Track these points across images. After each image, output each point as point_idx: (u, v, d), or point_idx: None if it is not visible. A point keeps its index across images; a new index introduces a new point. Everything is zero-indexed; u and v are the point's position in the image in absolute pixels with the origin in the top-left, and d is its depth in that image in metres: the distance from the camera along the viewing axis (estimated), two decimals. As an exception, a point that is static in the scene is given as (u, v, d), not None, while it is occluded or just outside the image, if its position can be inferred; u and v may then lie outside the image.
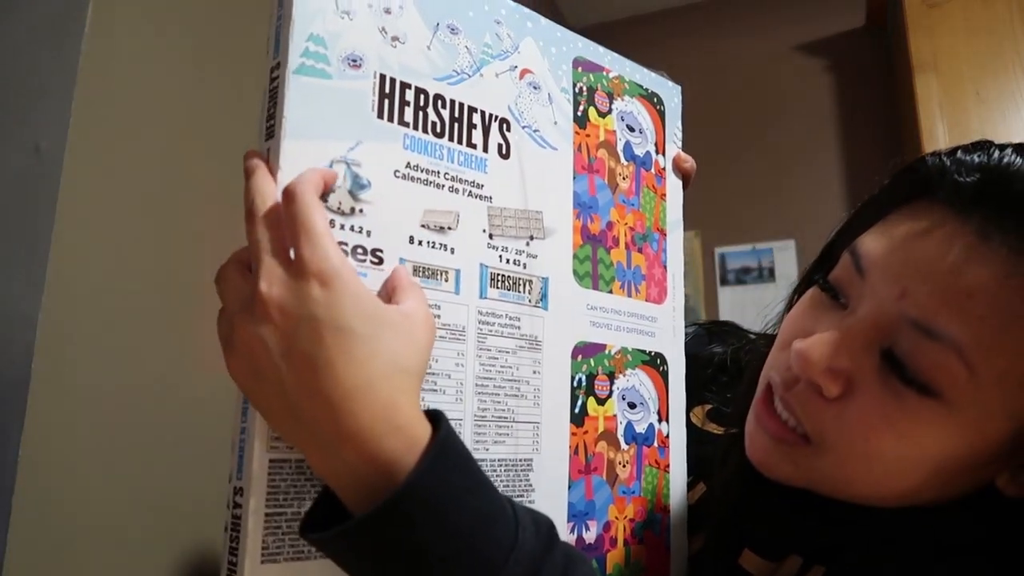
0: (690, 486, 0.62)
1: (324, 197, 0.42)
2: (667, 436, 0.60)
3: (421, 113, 0.47)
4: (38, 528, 0.67)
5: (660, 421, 0.59)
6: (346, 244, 0.43)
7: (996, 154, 0.42)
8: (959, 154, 0.44)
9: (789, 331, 0.49)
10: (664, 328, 0.61)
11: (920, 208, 0.43)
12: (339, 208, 0.43)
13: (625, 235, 0.59)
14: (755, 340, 0.69)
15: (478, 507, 0.37)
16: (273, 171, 0.41)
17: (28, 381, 0.66)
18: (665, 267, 0.62)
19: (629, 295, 0.59)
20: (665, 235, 0.63)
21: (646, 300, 0.60)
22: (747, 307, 2.13)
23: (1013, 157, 0.41)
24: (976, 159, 0.43)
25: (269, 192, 0.39)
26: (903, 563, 0.46)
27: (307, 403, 0.36)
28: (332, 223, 0.42)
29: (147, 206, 0.83)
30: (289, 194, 0.38)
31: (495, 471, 0.48)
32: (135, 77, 0.83)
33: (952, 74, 1.75)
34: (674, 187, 0.64)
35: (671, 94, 0.65)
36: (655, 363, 0.60)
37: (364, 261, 0.43)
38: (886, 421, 0.41)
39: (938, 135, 1.73)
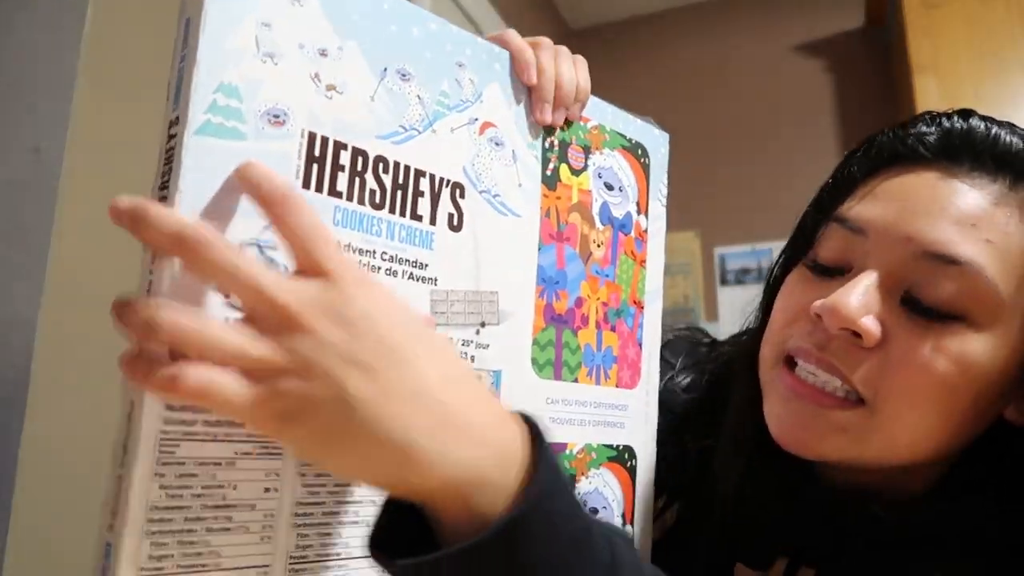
0: (663, 509, 0.58)
1: (227, 294, 0.34)
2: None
3: (358, 180, 0.39)
4: (38, 528, 0.66)
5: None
6: (250, 350, 0.34)
7: (944, 120, 0.48)
8: (913, 126, 0.48)
9: (789, 307, 0.48)
10: (635, 415, 0.54)
11: (893, 171, 0.47)
12: (243, 305, 0.34)
13: (597, 312, 0.51)
14: (712, 347, 0.67)
15: (584, 518, 0.34)
16: (160, 262, 0.32)
17: (28, 382, 0.66)
18: (640, 345, 0.55)
19: (597, 382, 0.51)
20: (643, 308, 0.55)
21: (616, 386, 0.52)
22: (747, 307, 2.13)
23: (956, 119, 0.47)
24: (930, 124, 0.48)
25: (183, 221, 0.30)
26: (902, 559, 0.45)
27: (394, 407, 0.30)
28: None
29: None
30: (278, 198, 0.32)
31: None
32: (135, 77, 0.78)
33: (951, 75, 1.72)
34: (656, 249, 0.56)
35: (657, 144, 0.58)
36: (622, 459, 0.52)
37: (273, 369, 0.35)
38: (930, 356, 0.42)
39: None
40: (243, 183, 0.33)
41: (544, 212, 0.48)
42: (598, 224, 0.52)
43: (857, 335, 0.43)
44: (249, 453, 0.34)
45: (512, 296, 0.46)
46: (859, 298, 0.42)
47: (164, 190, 0.34)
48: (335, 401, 0.29)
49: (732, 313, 2.14)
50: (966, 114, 0.47)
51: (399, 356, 0.31)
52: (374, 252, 0.39)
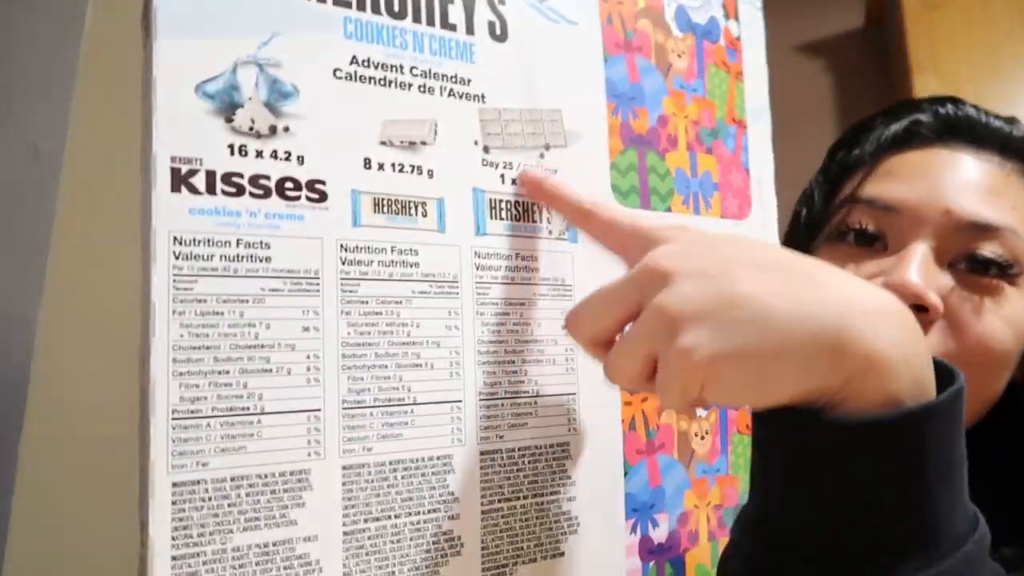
0: None
1: (229, 117, 0.30)
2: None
3: (355, -11, 0.34)
4: (38, 528, 0.63)
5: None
6: (267, 178, 0.31)
7: (939, 107, 0.53)
8: (909, 112, 0.53)
9: None
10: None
11: (900, 151, 0.51)
12: (252, 128, 0.31)
13: (687, 132, 0.44)
14: None
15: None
16: (147, 79, 0.29)
17: (27, 383, 0.63)
18: (747, 170, 0.47)
19: (696, 212, 0.44)
20: (745, 127, 0.47)
21: (721, 217, 0.45)
22: None
23: (949, 105, 0.53)
24: (926, 109, 0.53)
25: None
26: None
27: (797, 293, 0.27)
28: (243, 149, 0.30)
29: None
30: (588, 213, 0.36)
31: (514, 463, 0.36)
32: (135, 77, 0.77)
33: (951, 75, 1.71)
34: (755, 60, 0.48)
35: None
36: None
37: (298, 198, 0.31)
38: (988, 321, 0.45)
39: None
40: (549, 200, 0.37)
41: (605, 19, 0.41)
42: (675, 31, 0.44)
43: (922, 309, 0.44)
44: (279, 290, 0.30)
45: (578, 114, 0.40)
46: (920, 272, 0.44)
47: (148, 8, 0.30)
48: (752, 319, 0.27)
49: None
50: (956, 101, 0.53)
51: (774, 257, 0.30)
52: (402, 67, 0.34)
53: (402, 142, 0.34)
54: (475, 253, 0.36)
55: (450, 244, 0.35)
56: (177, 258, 0.29)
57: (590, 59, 0.41)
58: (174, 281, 0.29)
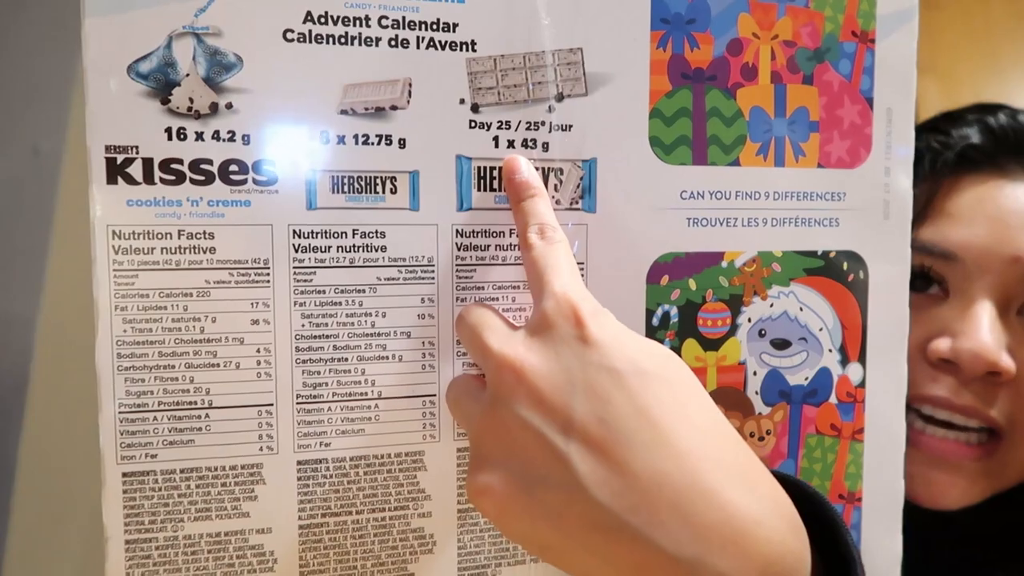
0: None
1: (166, 99, 0.28)
2: (860, 385, 0.37)
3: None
4: (38, 528, 0.66)
5: (844, 363, 0.37)
6: (209, 162, 0.29)
7: (989, 118, 0.46)
8: (955, 128, 0.46)
9: None
10: (863, 207, 0.36)
11: (952, 183, 0.45)
12: (191, 108, 0.29)
13: (774, 58, 0.34)
14: None
15: None
16: (84, 59, 0.28)
17: (27, 382, 0.66)
18: (869, 101, 0.36)
19: (779, 163, 0.35)
20: (873, 41, 0.36)
21: (819, 165, 0.36)
22: None
23: (1001, 117, 0.46)
24: (972, 123, 0.46)
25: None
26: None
27: (636, 495, 0.23)
28: (181, 133, 0.29)
29: None
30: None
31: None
32: None
33: (951, 75, 1.66)
34: None
35: None
36: (836, 271, 0.36)
37: (243, 183, 0.29)
38: None
39: None
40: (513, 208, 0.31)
41: (657, -83, 0.33)
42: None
43: (995, 372, 0.41)
44: (225, 281, 0.29)
45: (605, 51, 0.32)
46: (990, 335, 0.41)
47: (92, -13, 0.29)
48: (560, 487, 0.23)
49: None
50: (1007, 110, 0.47)
51: (637, 427, 0.24)
52: (367, 20, 0.30)
53: (367, 109, 0.30)
54: (456, 231, 0.31)
55: (425, 223, 0.31)
56: (117, 252, 0.28)
57: (627, -22, 0.32)
58: (114, 276, 0.28)
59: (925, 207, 0.45)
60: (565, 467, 0.23)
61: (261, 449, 0.30)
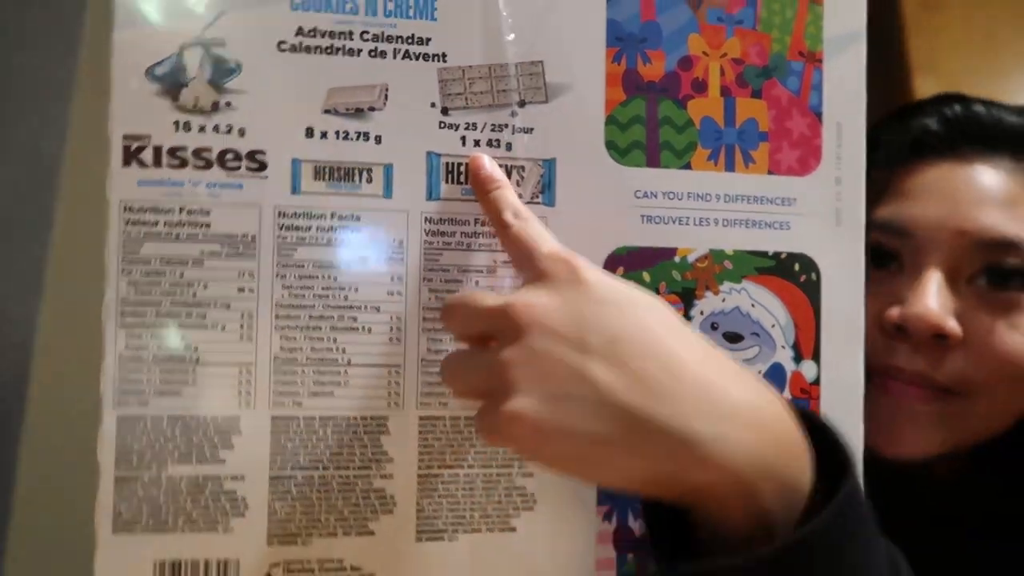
0: None
1: (176, 96, 0.33)
2: (815, 382, 0.39)
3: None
4: (38, 528, 0.67)
5: (798, 360, 0.38)
6: (208, 150, 0.34)
7: (945, 108, 0.49)
8: (912, 117, 0.50)
9: None
10: (814, 212, 0.39)
11: (908, 166, 0.48)
12: (195, 105, 0.34)
13: (723, 74, 0.38)
14: None
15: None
16: (110, 67, 0.34)
17: (27, 382, 0.67)
18: (817, 115, 0.39)
19: (729, 168, 0.38)
20: (819, 61, 0.39)
21: (770, 172, 0.38)
22: None
23: (955, 107, 0.49)
24: (930, 114, 0.50)
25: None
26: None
27: (655, 394, 0.26)
28: (187, 125, 0.33)
29: None
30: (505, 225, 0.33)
31: (459, 431, 0.35)
32: None
33: (951, 75, 1.63)
34: None
35: None
36: (787, 271, 0.38)
37: (237, 168, 0.34)
38: (1009, 335, 0.45)
39: None
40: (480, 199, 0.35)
41: (612, -49, 0.37)
42: (716, -44, 0.38)
43: (942, 336, 0.44)
44: (217, 253, 0.34)
45: (564, 64, 0.36)
46: (936, 300, 0.44)
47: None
48: (586, 399, 0.27)
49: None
50: (963, 100, 0.49)
51: (652, 335, 0.28)
52: (351, 33, 0.35)
53: (348, 109, 0.35)
54: (425, 219, 0.35)
55: (397, 209, 0.35)
56: (127, 224, 0.33)
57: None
58: (123, 244, 0.33)
59: (884, 190, 0.48)
60: (589, 381, 0.26)
61: (240, 404, 0.34)
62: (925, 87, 1.61)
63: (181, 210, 0.33)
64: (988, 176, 0.46)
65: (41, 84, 0.76)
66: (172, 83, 0.33)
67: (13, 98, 0.78)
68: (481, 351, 0.30)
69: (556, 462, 0.28)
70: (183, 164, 0.33)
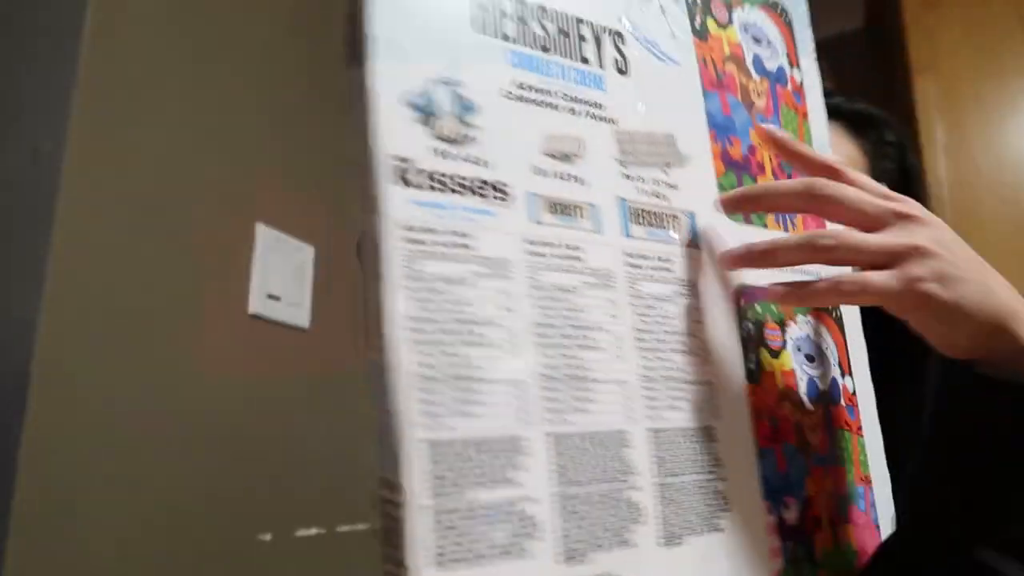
0: None
1: (429, 122, 0.34)
2: (854, 393, 0.49)
3: (522, 26, 0.40)
4: (38, 528, 0.66)
5: (843, 375, 0.49)
6: (464, 178, 0.35)
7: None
8: None
9: None
10: (829, 269, 0.51)
11: None
12: (447, 135, 0.35)
13: (771, 160, 0.50)
14: None
15: None
16: (365, 101, 0.34)
17: (28, 382, 0.66)
18: (818, 196, 0.52)
19: (785, 229, 0.49)
20: (811, 160, 0.53)
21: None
22: None
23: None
24: None
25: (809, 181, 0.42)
26: None
27: (984, 280, 0.39)
28: (443, 153, 0.34)
29: (146, 208, 0.80)
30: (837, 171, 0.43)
31: (676, 443, 0.38)
32: (135, 78, 0.81)
33: (951, 75, 1.72)
34: (816, 103, 0.54)
35: (796, 2, 0.56)
36: (827, 310, 0.50)
37: (487, 197, 0.35)
38: None
39: (937, 137, 1.73)
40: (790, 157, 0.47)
41: (701, 61, 0.48)
42: (754, 75, 0.51)
43: None
44: (480, 273, 0.34)
45: (687, 140, 0.45)
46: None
47: (358, 39, 0.35)
48: (976, 283, 0.38)
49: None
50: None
51: (963, 248, 0.40)
52: (553, 92, 0.39)
53: (560, 154, 0.39)
54: (625, 253, 0.40)
55: (605, 244, 0.39)
56: (406, 241, 0.32)
57: (692, 93, 0.46)
58: (403, 261, 0.32)
59: None
60: (981, 272, 0.39)
61: (518, 423, 0.33)
62: (925, 87, 1.71)
63: (448, 231, 0.33)
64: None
65: (41, 84, 0.73)
66: (427, 113, 0.35)
67: (13, 98, 0.75)
68: (893, 242, 0.39)
69: (927, 322, 0.39)
70: (445, 188, 0.34)
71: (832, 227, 0.43)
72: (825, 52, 1.90)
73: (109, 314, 0.76)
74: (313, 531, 1.00)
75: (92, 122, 0.77)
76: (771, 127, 0.48)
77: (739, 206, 0.44)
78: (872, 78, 2.15)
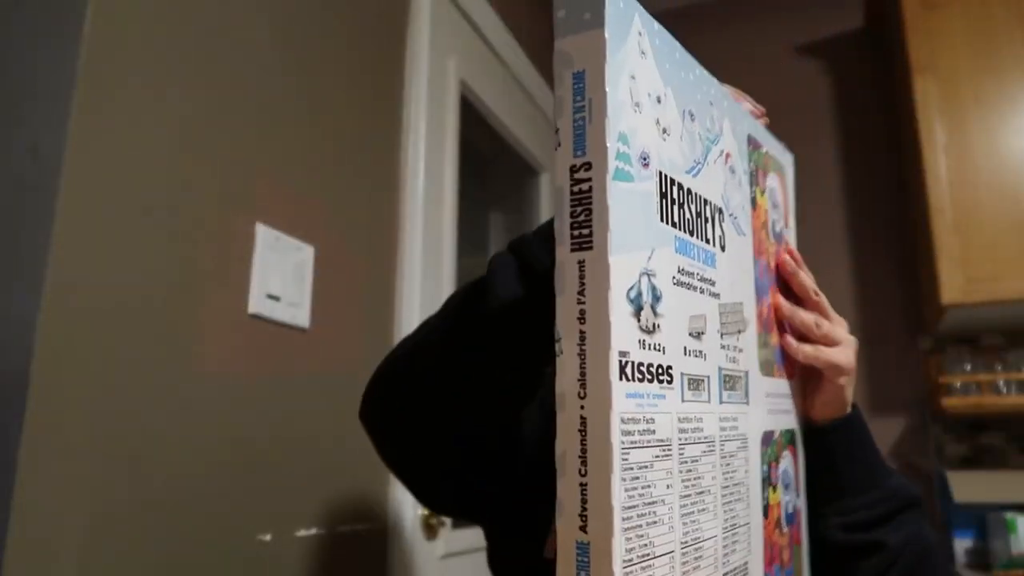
0: None
1: (638, 317, 0.38)
2: (799, 510, 0.61)
3: (680, 211, 0.44)
4: (38, 528, 0.66)
5: (797, 496, 0.61)
6: (652, 366, 0.39)
7: None
8: None
9: None
10: (793, 403, 0.62)
11: None
12: (647, 326, 0.39)
13: (774, 315, 0.59)
14: None
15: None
16: (599, 285, 0.37)
17: (27, 382, 0.66)
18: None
19: (781, 376, 0.59)
20: (791, 308, 0.64)
21: (785, 378, 0.61)
22: None
23: None
24: None
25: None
26: None
27: None
28: (644, 343, 0.39)
29: (146, 207, 0.81)
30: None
31: (734, 582, 0.47)
32: (134, 77, 0.80)
33: (951, 76, 1.74)
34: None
35: (790, 162, 0.66)
36: (793, 440, 0.61)
37: (662, 382, 0.40)
38: None
39: (937, 137, 1.76)
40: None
41: (754, 230, 0.56)
42: (771, 239, 0.60)
43: None
44: (658, 456, 0.39)
45: (748, 305, 0.53)
46: None
47: (586, 228, 0.37)
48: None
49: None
50: None
51: None
52: (694, 274, 0.45)
53: (695, 333, 0.44)
54: (720, 418, 0.47)
55: (711, 412, 0.46)
56: (622, 434, 0.36)
57: (749, 262, 0.54)
58: (620, 453, 0.36)
59: None
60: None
61: (669, 588, 0.39)
62: (925, 87, 1.69)
63: (642, 419, 0.38)
64: None
65: (41, 84, 0.73)
66: (637, 306, 0.38)
67: (13, 98, 0.74)
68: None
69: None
70: (642, 378, 0.38)
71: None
72: (825, 52, 2.14)
73: (109, 314, 0.76)
74: (313, 531, 1.01)
75: (92, 122, 0.75)
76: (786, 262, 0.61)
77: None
78: (872, 78, 2.18)
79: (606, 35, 0.38)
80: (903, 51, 1.86)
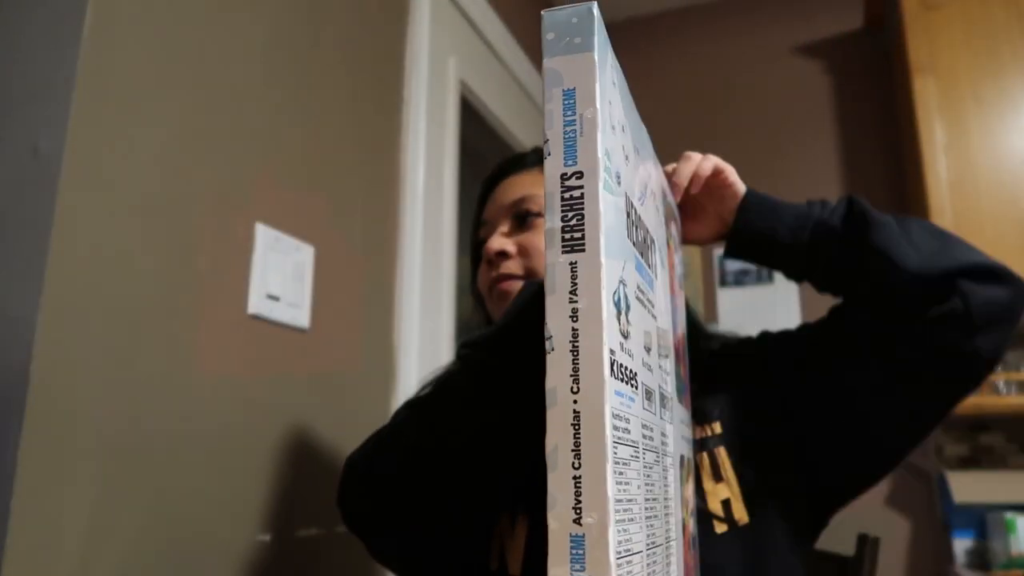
0: None
1: (619, 320, 0.40)
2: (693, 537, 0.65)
3: (636, 232, 0.48)
4: (38, 528, 0.67)
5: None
6: (627, 368, 0.41)
7: (504, 160, 0.89)
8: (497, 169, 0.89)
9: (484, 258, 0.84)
10: (687, 432, 0.67)
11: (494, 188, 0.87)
12: (623, 330, 0.41)
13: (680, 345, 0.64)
14: None
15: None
16: (592, 285, 0.38)
17: (27, 382, 0.67)
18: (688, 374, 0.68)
19: (685, 405, 0.63)
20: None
21: (687, 408, 0.65)
22: (746, 308, 2.15)
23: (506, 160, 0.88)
24: (498, 165, 0.89)
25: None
26: None
27: None
28: (622, 347, 0.40)
29: (146, 207, 0.81)
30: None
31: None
32: (134, 77, 0.81)
33: (950, 76, 1.73)
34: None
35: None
36: (690, 469, 0.65)
37: (632, 387, 0.42)
38: (537, 238, 0.78)
39: (936, 137, 1.75)
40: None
41: (669, 262, 0.60)
42: (679, 284, 0.65)
43: (502, 252, 0.77)
44: (634, 455, 0.40)
45: (668, 334, 0.57)
46: (496, 240, 0.78)
47: (578, 232, 0.39)
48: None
49: (731, 314, 2.17)
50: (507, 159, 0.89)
51: None
52: (644, 292, 0.48)
53: (646, 347, 0.47)
54: (661, 432, 0.49)
55: (658, 424, 0.48)
56: (613, 429, 0.37)
57: (667, 292, 0.58)
58: (612, 448, 0.37)
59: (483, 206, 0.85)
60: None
61: None
62: (925, 87, 1.66)
63: (623, 417, 0.39)
64: (516, 176, 0.82)
65: (41, 84, 0.74)
66: (618, 310, 0.40)
67: (13, 98, 0.76)
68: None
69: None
70: (622, 379, 0.40)
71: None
72: (825, 52, 2.15)
73: (108, 314, 0.76)
74: (313, 531, 1.01)
75: (92, 121, 0.75)
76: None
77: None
78: (872, 78, 2.18)
79: (595, 58, 0.41)
80: (902, 51, 1.85)
